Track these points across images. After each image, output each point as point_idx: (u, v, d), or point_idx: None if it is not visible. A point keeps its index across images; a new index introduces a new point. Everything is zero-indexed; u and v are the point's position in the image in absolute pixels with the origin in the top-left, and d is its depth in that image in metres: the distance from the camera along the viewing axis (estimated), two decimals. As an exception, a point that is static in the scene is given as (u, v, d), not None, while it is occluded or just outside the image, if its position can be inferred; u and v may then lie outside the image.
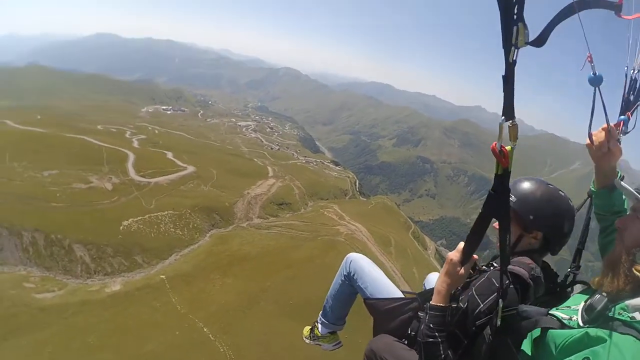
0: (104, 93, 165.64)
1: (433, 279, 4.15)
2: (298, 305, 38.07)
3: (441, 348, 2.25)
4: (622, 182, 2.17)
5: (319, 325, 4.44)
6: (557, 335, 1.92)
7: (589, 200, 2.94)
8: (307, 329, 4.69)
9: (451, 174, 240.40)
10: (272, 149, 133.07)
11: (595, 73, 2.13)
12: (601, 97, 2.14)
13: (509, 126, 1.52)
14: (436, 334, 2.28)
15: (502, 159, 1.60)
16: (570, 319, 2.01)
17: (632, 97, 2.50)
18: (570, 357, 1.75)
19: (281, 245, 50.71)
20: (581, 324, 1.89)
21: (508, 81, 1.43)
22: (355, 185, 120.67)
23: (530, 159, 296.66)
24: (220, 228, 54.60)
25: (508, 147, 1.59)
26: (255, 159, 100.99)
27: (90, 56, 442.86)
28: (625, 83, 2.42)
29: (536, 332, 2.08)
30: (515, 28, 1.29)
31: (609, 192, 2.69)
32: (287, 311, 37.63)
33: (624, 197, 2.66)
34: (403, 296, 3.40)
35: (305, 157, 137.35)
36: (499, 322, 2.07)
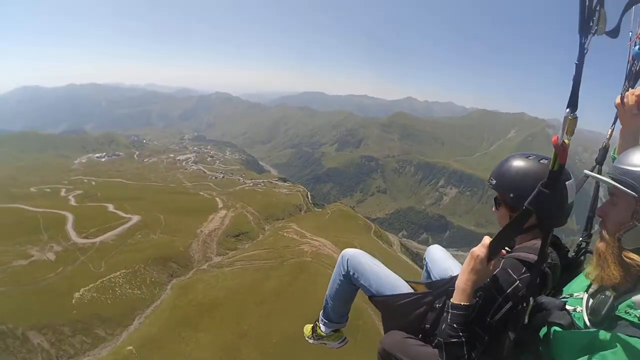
0: (33, 151, 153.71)
1: (436, 254, 3.88)
2: (282, 342, 36.01)
3: (465, 348, 2.17)
4: (590, 173, 2.12)
5: (322, 325, 4.17)
6: (567, 338, 1.94)
7: (597, 167, 2.83)
8: (308, 328, 4.41)
9: (397, 167, 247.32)
10: (216, 178, 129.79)
11: None
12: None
13: (569, 119, 1.46)
14: (460, 333, 2.19)
15: (563, 153, 1.57)
16: (575, 310, 2.03)
17: (635, 67, 2.51)
18: None
19: (248, 281, 47.78)
20: (587, 322, 1.90)
21: (579, 70, 1.37)
22: (308, 197, 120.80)
23: (469, 136, 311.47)
24: (179, 276, 50.83)
25: (567, 141, 1.53)
26: (202, 193, 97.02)
27: (14, 113, 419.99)
28: (629, 53, 2.43)
29: (545, 329, 2.11)
30: (596, 13, 1.24)
31: None
32: (272, 352, 35.34)
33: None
34: (412, 290, 3.24)
35: (252, 179, 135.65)
36: (526, 320, 2.05)
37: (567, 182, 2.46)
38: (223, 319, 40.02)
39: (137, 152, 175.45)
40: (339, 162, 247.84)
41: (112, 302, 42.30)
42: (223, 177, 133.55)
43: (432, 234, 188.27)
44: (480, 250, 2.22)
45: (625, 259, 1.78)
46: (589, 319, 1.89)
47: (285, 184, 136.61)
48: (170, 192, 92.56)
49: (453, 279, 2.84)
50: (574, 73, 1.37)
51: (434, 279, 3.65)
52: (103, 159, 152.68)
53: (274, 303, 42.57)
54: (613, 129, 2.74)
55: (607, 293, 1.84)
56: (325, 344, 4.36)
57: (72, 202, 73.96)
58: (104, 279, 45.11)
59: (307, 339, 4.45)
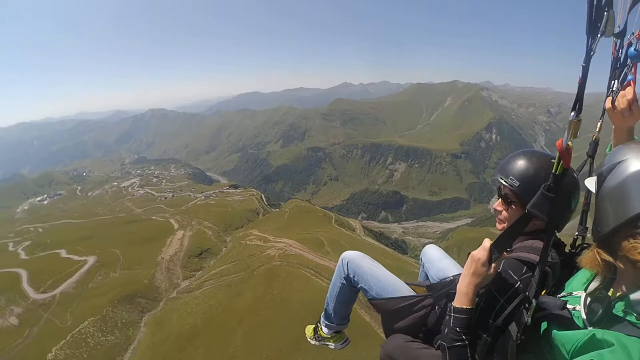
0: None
1: (432, 254, 3.89)
2: (273, 355, 35.08)
3: (468, 351, 2.18)
4: (589, 184, 2.15)
5: (323, 327, 4.17)
6: (565, 337, 1.93)
7: (589, 160, 2.81)
8: (309, 329, 4.39)
9: (344, 152, 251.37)
10: (166, 198, 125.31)
11: (638, 49, 2.23)
12: (635, 72, 2.32)
13: (574, 122, 1.45)
14: (463, 336, 2.20)
15: (568, 157, 1.56)
16: (574, 308, 2.03)
17: (621, 55, 2.44)
18: (576, 359, 1.79)
19: (222, 300, 46.09)
20: (585, 320, 1.92)
21: (585, 72, 1.36)
22: (263, 199, 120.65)
23: (409, 111, 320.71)
24: (150, 310, 48.32)
25: (570, 144, 1.52)
26: (154, 217, 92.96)
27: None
28: (613, 42, 2.40)
29: (544, 326, 2.12)
30: (605, 14, 1.24)
31: None
32: None
33: None
34: (412, 292, 3.26)
35: (203, 192, 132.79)
36: (529, 321, 2.03)
37: (576, 189, 2.48)
38: (207, 346, 38.16)
39: (79, 187, 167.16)
40: (286, 158, 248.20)
41: (88, 354, 39.54)
42: (173, 195, 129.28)
43: (390, 211, 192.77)
44: (480, 253, 2.22)
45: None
46: (586, 318, 1.91)
47: (237, 190, 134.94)
48: (121, 223, 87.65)
49: (453, 281, 2.88)
50: (580, 76, 1.34)
51: (431, 279, 3.70)
52: (45, 202, 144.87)
53: (254, 317, 41.31)
54: (602, 122, 2.67)
55: (605, 292, 1.86)
56: (327, 344, 4.32)
57: (23, 255, 68.55)
58: (73, 332, 42.14)
59: (309, 339, 4.42)
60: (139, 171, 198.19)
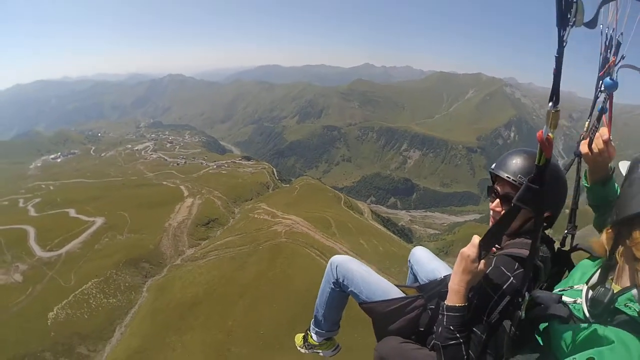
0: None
1: (421, 256, 3.88)
2: (270, 332, 35.37)
3: (463, 348, 2.20)
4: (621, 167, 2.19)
5: (313, 335, 4.10)
6: (566, 332, 1.96)
7: (577, 160, 2.79)
8: (299, 337, 4.36)
9: (359, 134, 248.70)
10: (178, 164, 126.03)
11: (613, 79, 2.23)
12: (611, 104, 2.32)
13: (552, 112, 1.47)
14: (457, 334, 2.22)
15: (548, 148, 1.57)
16: (575, 302, 2.05)
17: (609, 55, 2.44)
18: (575, 356, 1.77)
19: (225, 273, 46.48)
20: (587, 313, 1.92)
21: (559, 63, 1.38)
22: (274, 174, 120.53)
23: (428, 99, 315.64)
24: (154, 276, 48.97)
25: (551, 135, 1.54)
26: (165, 182, 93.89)
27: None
28: (601, 41, 2.41)
29: (543, 325, 2.14)
30: (574, 5, 1.27)
31: (602, 186, 2.63)
32: (262, 345, 34.61)
33: (616, 186, 2.61)
34: (402, 294, 3.25)
35: (215, 161, 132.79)
36: (523, 315, 2.03)
37: (565, 183, 2.53)
38: (206, 317, 38.70)
39: (93, 148, 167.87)
40: (301, 135, 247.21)
41: (89, 316, 40.28)
42: (185, 162, 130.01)
43: (399, 198, 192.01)
44: (470, 250, 2.23)
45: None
46: (588, 311, 1.91)
47: (250, 162, 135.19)
48: (132, 186, 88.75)
49: (444, 280, 2.89)
50: (554, 67, 1.39)
51: (420, 281, 3.66)
52: (59, 160, 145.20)
53: (255, 292, 41.65)
54: (589, 122, 2.58)
55: (608, 285, 1.86)
56: (319, 352, 4.25)
57: (32, 212, 69.63)
58: (76, 292, 42.81)
59: (298, 348, 4.35)
60: (153, 135, 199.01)
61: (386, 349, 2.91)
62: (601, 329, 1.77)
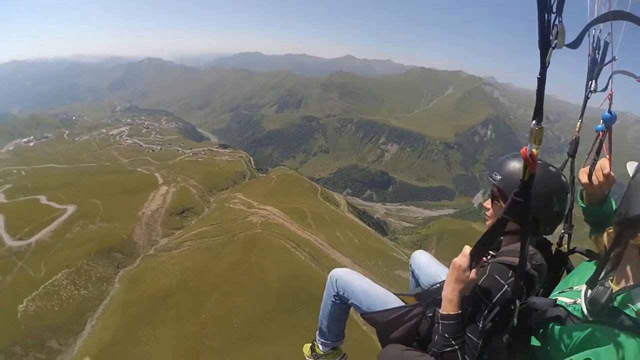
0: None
1: (421, 260, 3.99)
2: (244, 326, 35.15)
3: (459, 354, 2.26)
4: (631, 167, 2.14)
5: (320, 345, 4.16)
6: (564, 333, 2.00)
7: (570, 159, 2.94)
8: (307, 347, 4.40)
9: (338, 125, 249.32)
10: (153, 150, 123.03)
11: (611, 112, 2.28)
12: (610, 137, 2.40)
13: (535, 130, 1.50)
14: (452, 341, 2.29)
15: (532, 164, 1.60)
16: (575, 302, 2.09)
17: (597, 56, 2.54)
18: (572, 357, 1.80)
19: (199, 264, 45.88)
20: (585, 312, 1.95)
21: (541, 83, 1.41)
22: (251, 163, 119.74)
23: (408, 94, 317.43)
24: (126, 266, 47.93)
25: (534, 151, 1.56)
26: (139, 169, 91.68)
27: None
28: (589, 42, 2.49)
29: (543, 325, 2.19)
30: (555, 27, 1.29)
31: (599, 206, 2.65)
32: (235, 338, 34.26)
33: (612, 202, 2.65)
34: (401, 302, 3.33)
35: (191, 148, 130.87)
36: (515, 322, 2.10)
37: (561, 193, 2.53)
38: (180, 309, 38.15)
39: (67, 132, 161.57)
40: (279, 124, 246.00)
41: (60, 308, 39.21)
42: (161, 149, 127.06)
43: (375, 191, 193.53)
44: (461, 259, 2.30)
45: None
46: (587, 309, 1.94)
47: (227, 150, 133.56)
48: (105, 172, 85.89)
49: (440, 288, 2.84)
50: (536, 87, 1.43)
51: (422, 286, 3.78)
52: (31, 144, 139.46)
53: (229, 284, 41.27)
54: (581, 122, 2.75)
55: (607, 284, 1.87)
56: None
57: (2, 198, 67.03)
58: (46, 283, 41.60)
59: (307, 358, 4.37)
60: (129, 120, 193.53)
61: (387, 356, 2.95)
62: (599, 330, 1.80)
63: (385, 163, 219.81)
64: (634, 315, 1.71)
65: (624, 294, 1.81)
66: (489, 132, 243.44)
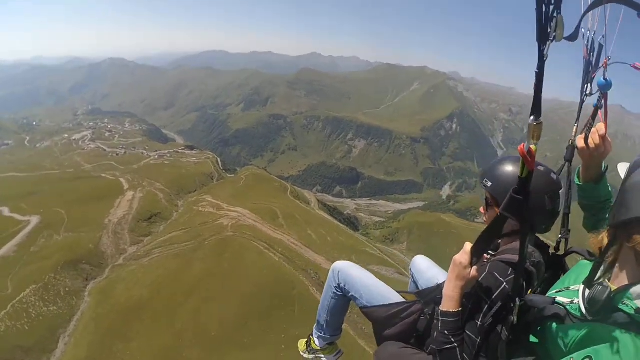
0: None
1: (421, 264, 4.02)
2: (221, 332, 34.73)
3: (458, 352, 2.28)
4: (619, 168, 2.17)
5: (316, 339, 4.25)
6: (565, 332, 1.99)
7: (567, 164, 2.94)
8: (302, 342, 4.49)
9: (305, 123, 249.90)
10: (117, 154, 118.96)
11: (606, 79, 2.28)
12: (606, 102, 2.38)
13: (533, 125, 1.48)
14: (451, 339, 2.31)
15: (530, 160, 1.59)
16: (572, 302, 2.09)
17: (592, 58, 2.54)
18: (573, 355, 1.81)
19: (170, 271, 44.81)
20: (584, 312, 1.96)
21: (540, 78, 1.39)
22: (218, 164, 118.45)
23: (374, 90, 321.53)
24: (95, 278, 45.98)
25: (533, 147, 1.55)
26: (104, 175, 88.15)
27: None
28: (583, 44, 2.49)
29: (541, 325, 2.19)
30: (554, 19, 1.28)
31: (595, 184, 2.71)
32: (213, 345, 33.78)
33: (609, 186, 2.72)
34: (402, 299, 3.39)
35: (157, 151, 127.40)
36: (515, 320, 2.11)
37: (553, 191, 2.59)
38: (153, 320, 37.12)
39: (28, 138, 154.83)
40: (246, 123, 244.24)
41: (30, 327, 36.97)
42: (125, 152, 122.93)
43: (345, 187, 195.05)
44: (462, 257, 2.32)
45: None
46: (586, 309, 1.95)
47: (193, 152, 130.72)
48: (68, 179, 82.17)
49: (440, 286, 2.93)
50: (534, 82, 1.40)
51: (420, 288, 3.77)
52: None
53: (203, 291, 40.54)
54: (577, 126, 2.76)
55: (605, 284, 1.89)
56: (321, 357, 4.36)
57: None
58: (14, 301, 39.01)
59: (302, 353, 4.45)
60: (91, 124, 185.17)
61: (386, 354, 3.01)
62: (598, 328, 1.81)
63: (353, 159, 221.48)
64: (632, 313, 1.73)
65: (622, 293, 1.81)
66: (454, 126, 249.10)
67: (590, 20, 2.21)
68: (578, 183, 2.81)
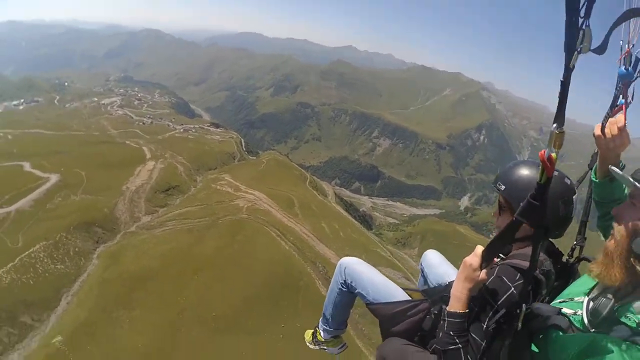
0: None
1: (432, 259, 4.01)
2: (223, 315, 34.45)
3: (462, 353, 2.27)
4: (616, 169, 2.21)
5: (321, 332, 4.33)
6: (566, 341, 2.00)
7: (590, 172, 2.88)
8: (308, 333, 4.55)
9: (332, 115, 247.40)
10: (144, 123, 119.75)
11: (628, 69, 2.24)
12: (626, 93, 2.33)
13: (556, 133, 1.50)
14: (457, 340, 2.30)
15: (550, 167, 1.59)
16: (575, 313, 2.12)
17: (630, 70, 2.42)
18: None
19: (182, 245, 44.89)
20: (587, 323, 2.00)
21: (565, 87, 1.40)
22: (242, 145, 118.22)
23: (406, 91, 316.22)
24: (106, 242, 46.34)
25: (553, 155, 1.56)
26: (128, 141, 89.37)
27: None
28: (620, 57, 2.36)
29: (543, 333, 2.20)
30: (581, 32, 1.28)
31: (610, 181, 2.66)
32: (214, 327, 33.63)
33: (624, 186, 2.62)
34: (408, 297, 3.41)
35: (182, 124, 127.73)
36: (520, 326, 2.10)
37: (567, 197, 2.58)
38: (158, 292, 37.10)
39: (58, 97, 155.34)
40: (274, 108, 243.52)
41: (35, 282, 37.54)
42: (151, 122, 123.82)
43: (364, 183, 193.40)
44: (473, 259, 2.32)
45: (632, 263, 1.84)
46: (588, 320, 1.98)
47: (218, 130, 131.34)
48: (93, 142, 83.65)
49: (448, 286, 2.92)
50: (559, 90, 1.42)
51: (429, 284, 3.81)
52: (21, 107, 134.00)
53: (211, 270, 40.45)
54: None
55: (609, 296, 1.92)
56: (325, 349, 4.41)
57: None
58: (23, 255, 39.60)
59: (307, 344, 4.49)
60: (122, 90, 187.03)
61: (388, 349, 3.00)
62: (600, 339, 1.81)
63: (376, 157, 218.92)
64: (634, 326, 1.75)
65: (625, 306, 1.83)
66: (482, 137, 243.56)
67: (622, 31, 2.12)
68: (594, 179, 2.74)
